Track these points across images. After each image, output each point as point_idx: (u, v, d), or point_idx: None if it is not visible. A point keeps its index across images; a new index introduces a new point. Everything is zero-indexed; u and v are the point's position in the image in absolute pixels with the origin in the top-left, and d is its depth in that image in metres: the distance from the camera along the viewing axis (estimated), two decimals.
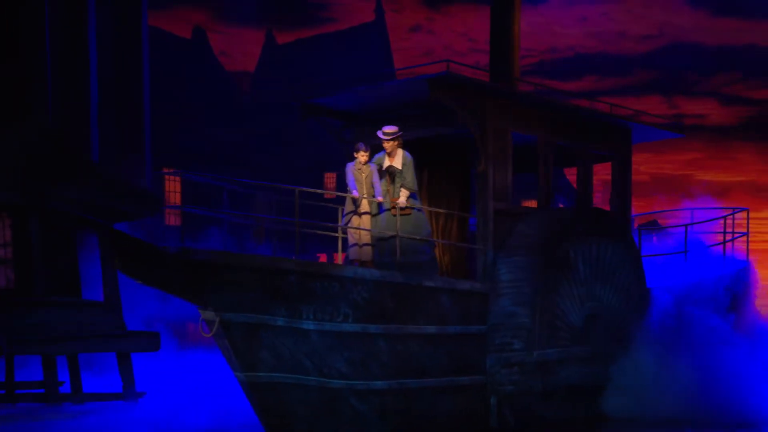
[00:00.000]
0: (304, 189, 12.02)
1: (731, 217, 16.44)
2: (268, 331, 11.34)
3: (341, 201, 12.69)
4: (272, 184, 12.10)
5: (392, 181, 12.41)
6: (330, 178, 36.02)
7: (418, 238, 12.26)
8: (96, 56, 21.71)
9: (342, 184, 33.18)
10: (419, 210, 12.57)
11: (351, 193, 12.17)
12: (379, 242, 12.24)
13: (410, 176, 12.37)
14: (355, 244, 12.20)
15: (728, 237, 16.47)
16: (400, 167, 12.38)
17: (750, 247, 17.07)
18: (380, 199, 12.16)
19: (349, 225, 12.18)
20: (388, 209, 12.28)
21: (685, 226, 15.74)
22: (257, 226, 11.73)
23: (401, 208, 12.15)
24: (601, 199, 17.29)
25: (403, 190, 12.31)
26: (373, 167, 12.37)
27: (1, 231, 14.99)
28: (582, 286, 12.99)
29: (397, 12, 30.01)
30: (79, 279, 16.08)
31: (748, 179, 23.12)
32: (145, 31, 23.48)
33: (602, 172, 15.91)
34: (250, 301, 11.27)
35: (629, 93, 20.29)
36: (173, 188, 30.64)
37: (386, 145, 12.32)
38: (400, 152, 12.40)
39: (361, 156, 12.18)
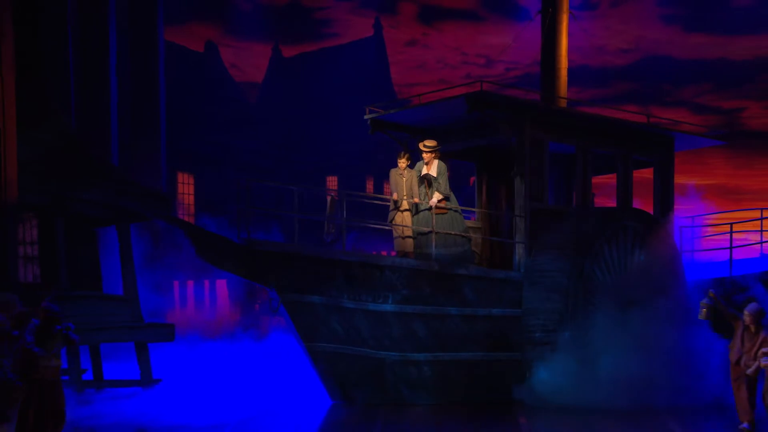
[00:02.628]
0: (353, 193, 13.30)
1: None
2: (322, 310, 12.21)
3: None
4: (330, 189, 13.07)
5: (429, 185, 13.21)
6: (332, 181, 36.00)
7: (453, 233, 13.04)
8: (115, 68, 21.73)
9: (342, 186, 33.03)
10: (462, 211, 13.54)
11: (392, 195, 13.14)
12: (419, 236, 13.03)
13: (444, 182, 13.18)
14: (399, 237, 13.10)
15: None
16: (435, 175, 13.20)
17: None
18: (416, 200, 13.07)
19: (393, 221, 13.11)
20: (426, 209, 13.09)
21: (731, 224, 15.64)
22: (330, 223, 12.76)
23: (436, 208, 13.01)
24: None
25: (436, 193, 13.07)
26: (413, 171, 13.28)
27: (28, 230, 14.98)
28: (616, 277, 13.20)
29: (394, 28, 30.04)
30: (100, 274, 16.06)
31: (718, 182, 23.13)
32: (161, 44, 23.48)
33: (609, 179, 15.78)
34: (307, 285, 12.09)
35: (608, 103, 20.38)
36: (187, 190, 30.66)
37: (425, 155, 13.24)
38: (436, 162, 13.26)
39: (402, 162, 13.20)
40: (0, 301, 10.89)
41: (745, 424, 10.62)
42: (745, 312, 10.51)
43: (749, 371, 10.40)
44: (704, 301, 11.08)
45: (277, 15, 30.61)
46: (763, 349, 10.26)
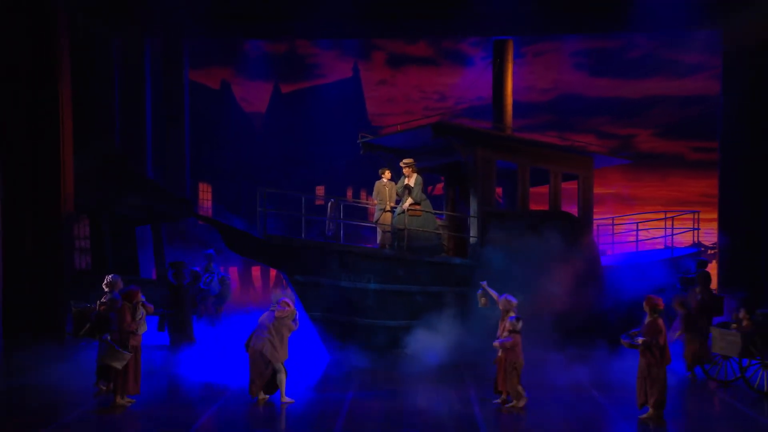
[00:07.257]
0: (347, 199, 13.81)
1: (672, 217, 16.49)
2: (320, 287, 12.55)
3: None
4: (328, 196, 13.49)
5: (409, 193, 13.64)
6: (320, 190, 36.01)
7: (422, 230, 13.40)
8: (150, 100, 21.74)
9: (329, 191, 33.02)
10: (436, 213, 14.08)
11: (376, 201, 13.66)
12: (398, 232, 13.40)
13: (417, 191, 13.59)
14: (381, 232, 13.59)
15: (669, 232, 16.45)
16: (413, 185, 13.60)
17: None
18: (392, 204, 13.57)
19: (377, 221, 13.60)
20: (401, 212, 13.52)
21: (637, 223, 16.12)
22: (330, 221, 13.10)
23: (409, 210, 13.46)
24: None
25: (409, 199, 13.49)
26: (393, 183, 13.69)
27: (81, 228, 15.01)
28: (545, 261, 13.55)
29: (369, 70, 30.39)
30: (137, 262, 16.10)
31: (615, 191, 23.62)
32: (186, 83, 23.55)
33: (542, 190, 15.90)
34: (309, 268, 12.42)
35: (535, 130, 20.89)
36: (206, 197, 30.64)
37: (405, 170, 13.75)
38: (414, 176, 13.69)
39: (385, 176, 13.66)
40: (110, 282, 10.71)
41: (495, 400, 10.14)
42: (499, 300, 10.29)
43: (499, 352, 10.06)
44: (479, 292, 10.60)
45: (277, 60, 30.73)
46: (504, 332, 10.01)
